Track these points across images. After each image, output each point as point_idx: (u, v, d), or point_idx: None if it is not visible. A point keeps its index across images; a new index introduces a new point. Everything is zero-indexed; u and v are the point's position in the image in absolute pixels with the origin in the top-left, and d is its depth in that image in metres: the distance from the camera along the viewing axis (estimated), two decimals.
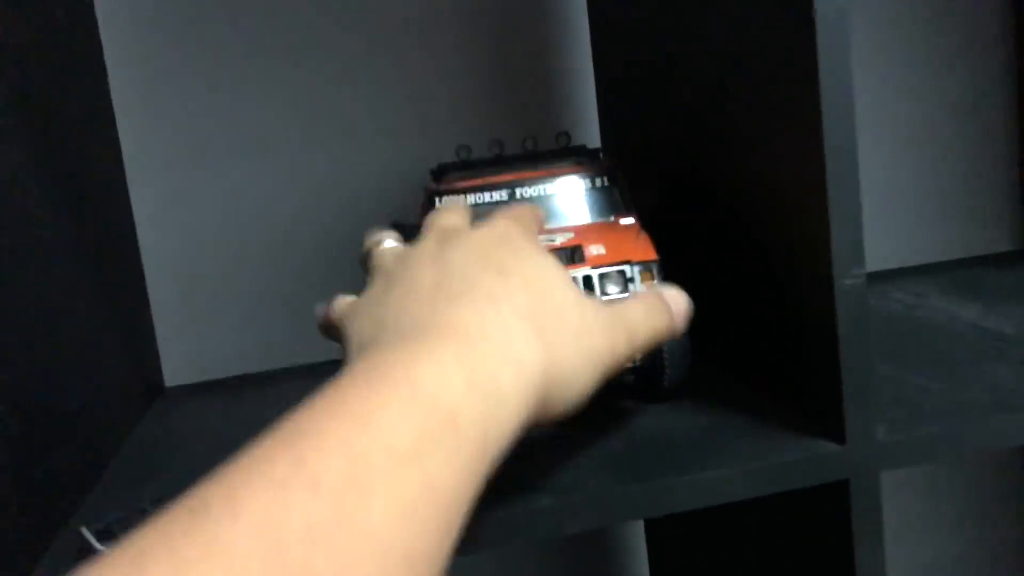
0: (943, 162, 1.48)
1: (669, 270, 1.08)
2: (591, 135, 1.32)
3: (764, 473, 0.73)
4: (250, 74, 1.22)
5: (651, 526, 1.39)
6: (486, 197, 0.91)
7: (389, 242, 0.75)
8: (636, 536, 1.51)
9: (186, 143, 1.22)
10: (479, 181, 0.91)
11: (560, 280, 0.64)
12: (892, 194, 1.47)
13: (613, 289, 0.82)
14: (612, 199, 0.92)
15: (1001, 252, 1.50)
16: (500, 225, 0.67)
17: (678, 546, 1.28)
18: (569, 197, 0.91)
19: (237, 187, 1.24)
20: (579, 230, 0.88)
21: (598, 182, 0.91)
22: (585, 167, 0.93)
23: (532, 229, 0.73)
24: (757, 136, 0.83)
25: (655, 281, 0.83)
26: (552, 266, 0.64)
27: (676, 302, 0.75)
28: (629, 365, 0.86)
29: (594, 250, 0.83)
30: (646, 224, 0.92)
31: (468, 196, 0.91)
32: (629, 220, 0.90)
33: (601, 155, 0.98)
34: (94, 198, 1.06)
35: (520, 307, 0.59)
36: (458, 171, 0.97)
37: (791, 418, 0.82)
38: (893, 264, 1.46)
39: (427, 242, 0.68)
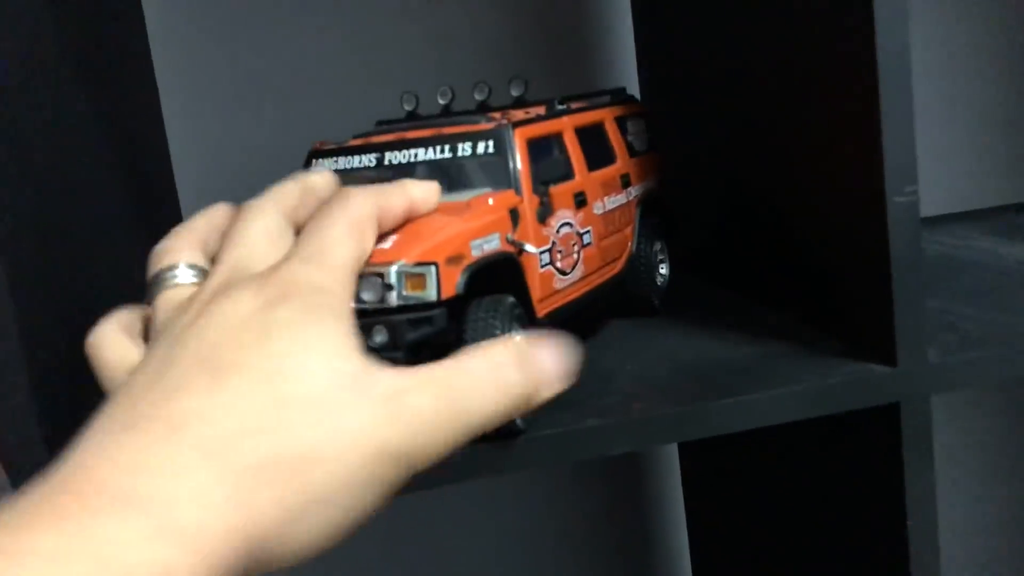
0: (989, 109, 1.45)
1: (702, 204, 1.07)
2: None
3: (814, 395, 0.73)
4: (290, 12, 1.22)
5: (685, 453, 1.39)
6: (354, 162, 0.78)
7: (183, 271, 0.55)
8: (670, 463, 1.51)
9: (223, 85, 1.22)
10: (360, 141, 0.79)
11: (316, 379, 0.45)
12: (934, 140, 1.45)
13: (367, 296, 0.63)
14: (497, 170, 0.74)
15: None
16: (293, 269, 0.50)
17: (712, 473, 1.28)
18: (444, 165, 0.76)
19: (276, 130, 1.24)
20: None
21: (480, 148, 0.75)
22: (479, 128, 0.77)
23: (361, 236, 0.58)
24: (804, 49, 0.81)
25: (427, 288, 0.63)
26: (315, 353, 0.46)
27: (545, 360, 0.53)
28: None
29: (389, 243, 0.65)
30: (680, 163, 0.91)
31: (338, 159, 0.79)
32: (489, 199, 0.72)
33: (565, 106, 0.84)
34: (132, 143, 1.06)
35: (218, 434, 0.41)
36: (390, 124, 0.86)
37: (839, 343, 0.81)
38: (935, 212, 1.44)
39: (204, 291, 0.51)
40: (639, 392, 0.77)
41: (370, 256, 0.63)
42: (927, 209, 1.44)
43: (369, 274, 0.63)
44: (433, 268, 0.65)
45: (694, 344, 0.87)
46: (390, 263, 0.64)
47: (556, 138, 0.83)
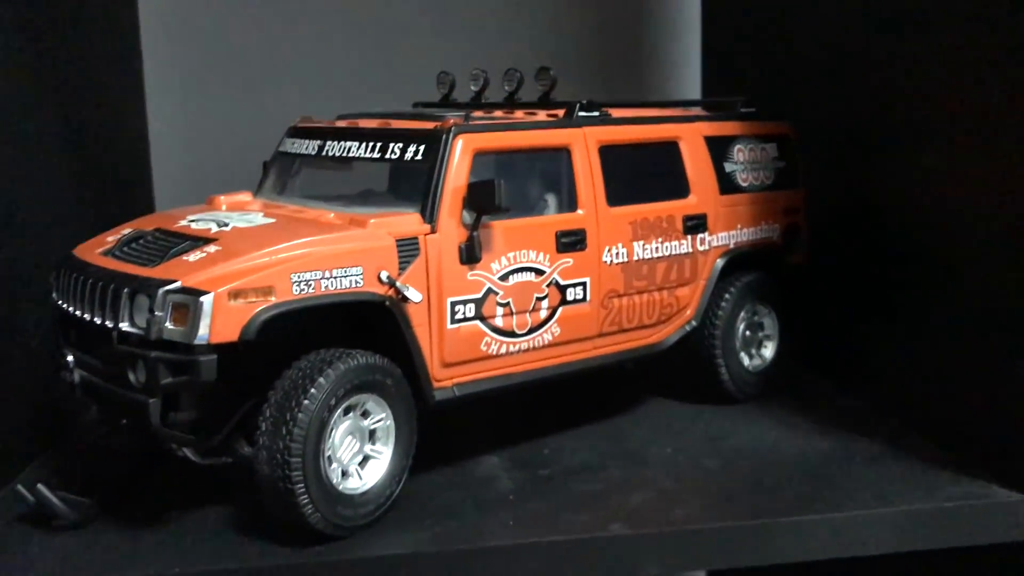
0: None
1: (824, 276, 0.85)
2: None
3: (917, 520, 0.54)
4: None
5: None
6: (301, 147, 0.67)
7: None
8: None
9: (207, 69, 1.06)
10: (329, 124, 0.67)
11: None
12: None
13: (138, 320, 0.52)
14: (421, 183, 0.58)
15: None
16: None
17: None
18: (377, 166, 0.64)
19: (256, 116, 1.07)
20: (280, 217, 0.60)
21: (409, 152, 0.60)
22: (414, 127, 0.61)
23: None
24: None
25: (191, 324, 0.50)
26: None
27: None
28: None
29: (195, 256, 0.54)
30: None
31: (295, 141, 0.68)
32: (371, 219, 0.56)
33: (598, 112, 0.66)
34: (110, 128, 0.90)
35: None
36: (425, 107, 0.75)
37: (944, 451, 0.63)
38: None
39: None
40: (678, 490, 0.59)
41: (185, 268, 0.52)
42: None
43: (143, 290, 0.52)
44: (203, 300, 0.50)
45: (755, 430, 0.69)
46: (168, 281, 0.51)
47: (547, 155, 0.63)
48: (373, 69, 1.06)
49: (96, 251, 0.59)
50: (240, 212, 0.62)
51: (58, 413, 0.71)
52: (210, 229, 0.58)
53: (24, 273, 0.66)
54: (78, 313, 0.56)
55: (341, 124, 0.66)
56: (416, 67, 0.92)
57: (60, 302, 0.59)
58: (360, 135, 0.63)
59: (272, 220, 0.59)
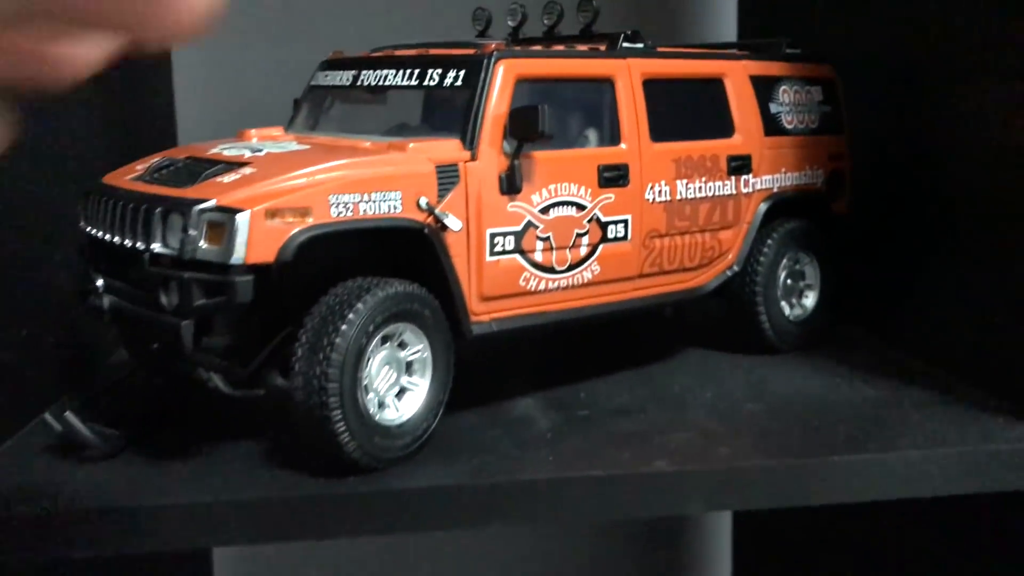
0: None
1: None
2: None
3: (975, 461, 0.52)
4: None
5: (740, 522, 1.17)
6: (335, 78, 0.65)
7: None
8: (720, 530, 1.29)
9: (233, 12, 1.03)
10: (364, 55, 0.65)
11: None
12: None
13: (171, 241, 0.51)
14: (462, 110, 0.56)
15: None
16: None
17: (770, 546, 1.07)
18: (414, 95, 0.62)
19: (282, 59, 1.04)
20: (315, 145, 0.58)
21: (448, 79, 0.58)
22: (453, 54, 0.59)
23: None
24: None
25: (227, 243, 0.49)
26: None
27: None
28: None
29: (230, 177, 0.52)
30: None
31: (328, 73, 0.66)
32: (409, 143, 0.55)
33: (643, 43, 0.64)
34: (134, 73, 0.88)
35: None
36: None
37: (995, 398, 0.60)
38: None
39: None
40: (721, 431, 0.57)
41: (219, 188, 0.50)
42: None
43: (176, 209, 0.50)
44: (239, 218, 0.48)
45: (798, 378, 0.67)
46: (202, 200, 0.50)
47: (591, 85, 0.61)
48: (404, 8, 1.04)
49: (126, 177, 0.58)
50: (273, 141, 0.61)
51: (87, 350, 0.69)
52: (244, 155, 0.56)
53: (51, 211, 0.64)
54: (108, 237, 0.54)
55: (377, 55, 0.65)
56: (449, 5, 0.89)
57: (89, 228, 0.57)
58: (397, 63, 0.61)
59: (307, 147, 0.58)
